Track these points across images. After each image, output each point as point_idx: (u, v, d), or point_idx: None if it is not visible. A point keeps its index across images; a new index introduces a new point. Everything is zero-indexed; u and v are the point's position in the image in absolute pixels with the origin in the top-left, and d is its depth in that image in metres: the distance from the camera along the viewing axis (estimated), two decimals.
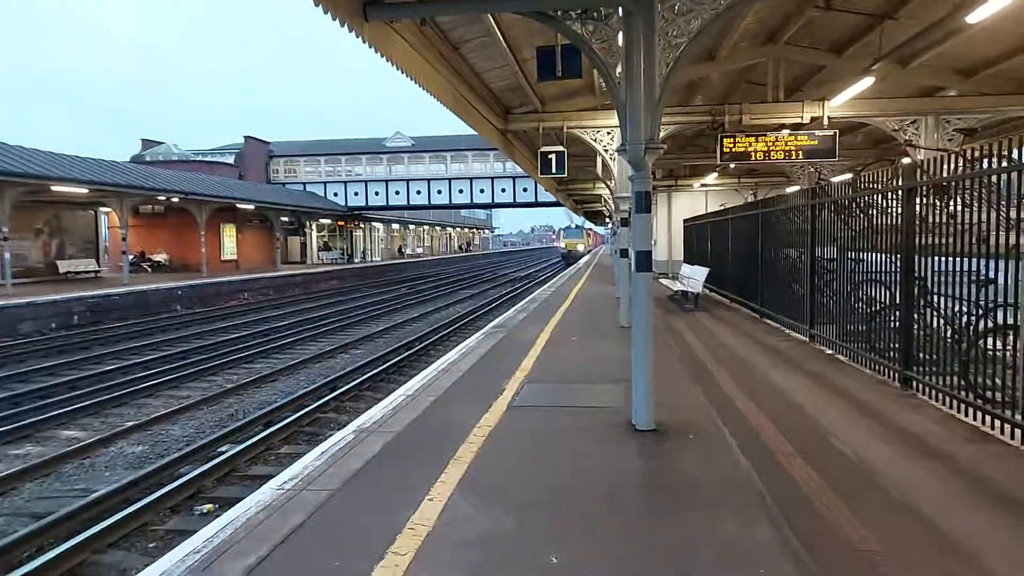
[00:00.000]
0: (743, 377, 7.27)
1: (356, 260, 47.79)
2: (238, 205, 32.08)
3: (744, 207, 14.40)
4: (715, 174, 22.92)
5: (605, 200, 28.16)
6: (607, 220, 47.35)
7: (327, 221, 45.56)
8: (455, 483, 4.36)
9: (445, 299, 27.82)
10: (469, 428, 5.52)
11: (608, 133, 12.37)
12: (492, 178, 43.07)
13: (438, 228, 74.41)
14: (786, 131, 12.56)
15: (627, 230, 13.03)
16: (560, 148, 12.86)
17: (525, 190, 42.58)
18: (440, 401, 6.52)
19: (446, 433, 5.42)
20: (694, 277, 15.08)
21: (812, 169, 16.77)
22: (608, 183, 17.29)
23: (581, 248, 60.15)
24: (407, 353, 13.99)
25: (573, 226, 63.73)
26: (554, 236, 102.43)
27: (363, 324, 19.99)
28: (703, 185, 24.75)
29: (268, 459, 7.80)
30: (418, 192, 43.54)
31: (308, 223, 43.99)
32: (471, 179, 43.20)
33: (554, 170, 12.72)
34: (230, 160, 43.94)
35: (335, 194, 44.31)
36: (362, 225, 49.63)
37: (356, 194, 44.26)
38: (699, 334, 10.66)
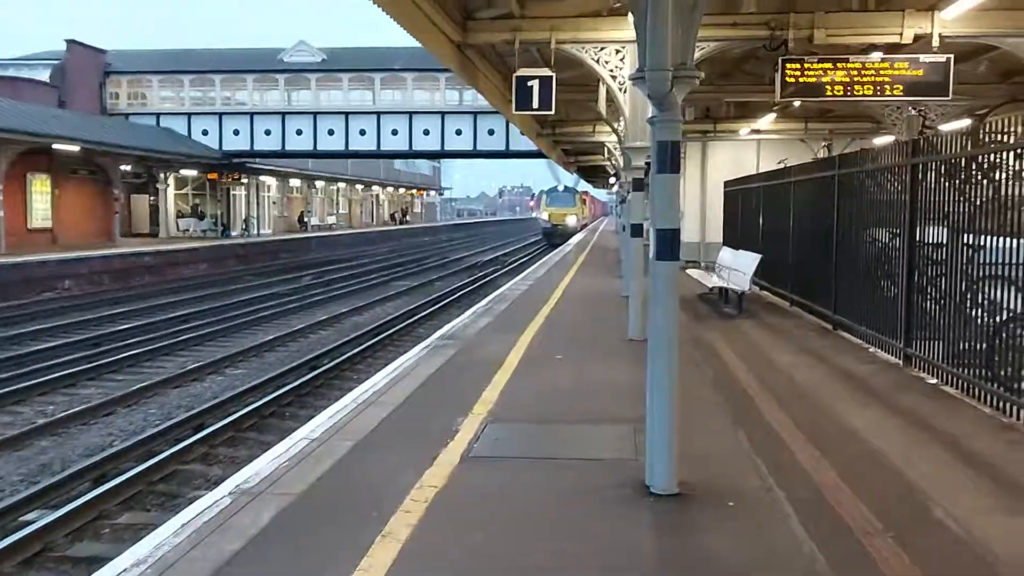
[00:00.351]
0: (806, 416, 7.38)
1: (234, 233, 47.38)
2: (55, 146, 31.50)
3: (813, 166, 14.58)
4: (772, 116, 23.15)
5: (610, 151, 28.23)
6: (611, 181, 47.59)
7: (191, 173, 45.07)
8: (383, 573, 4.35)
9: (369, 294, 27.76)
10: (404, 490, 5.51)
11: (617, 52, 12.40)
12: (442, 113, 43.00)
13: (360, 187, 74.11)
14: (878, 55, 12.72)
15: (642, 196, 13.15)
16: (546, 72, 12.86)
17: (491, 133, 42.58)
18: (361, 449, 6.50)
19: (370, 498, 5.40)
20: (738, 268, 15.28)
21: (914, 112, 17.05)
22: (615, 126, 17.36)
23: (572, 221, 60.39)
24: (312, 375, 13.95)
25: (561, 188, 64.02)
26: (532, 202, 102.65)
27: (247, 330, 19.86)
28: (754, 132, 25.01)
29: (100, 533, 7.72)
30: (331, 132, 43.28)
31: (163, 175, 43.45)
32: (411, 114, 43.09)
33: (536, 104, 12.71)
34: (44, 76, 43.11)
35: (204, 132, 43.82)
36: (245, 180, 49.15)
37: (237, 133, 43.82)
38: (744, 352, 10.79)
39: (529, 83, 12.67)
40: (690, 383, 8.29)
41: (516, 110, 13.01)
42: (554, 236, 57.29)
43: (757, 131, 24.93)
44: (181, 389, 13.52)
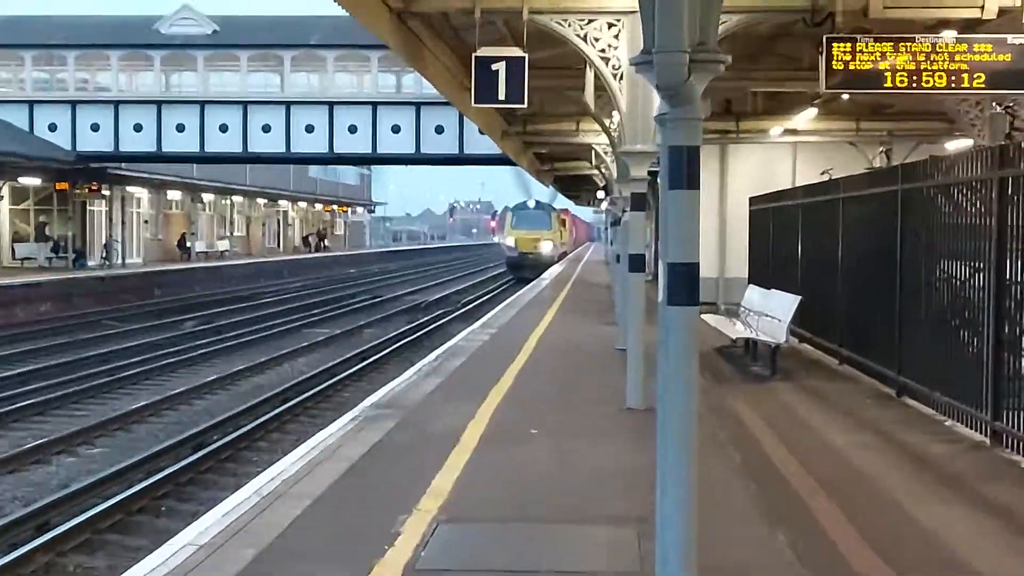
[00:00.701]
0: (868, 516, 7.36)
1: (92, 263, 46.97)
2: None
3: (869, 178, 14.73)
4: (813, 112, 23.40)
5: (599, 156, 28.43)
6: (600, 195, 47.77)
7: (34, 182, 44.65)
8: None
9: (276, 346, 27.54)
10: None
11: (611, 26, 12.49)
12: (374, 104, 43.11)
13: (262, 202, 73.95)
14: (951, 34, 12.92)
15: (643, 217, 13.22)
16: (516, 52, 12.91)
17: (440, 131, 42.68)
18: (267, 560, 6.39)
19: None
20: (770, 313, 15.33)
21: (999, 109, 17.32)
22: (607, 124, 17.46)
23: (548, 248, 60.59)
24: (196, 456, 13.74)
25: (532, 204, 64.21)
26: (493, 223, 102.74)
27: (108, 395, 19.58)
28: (789, 132, 25.27)
29: None
30: (223, 128, 43.17)
31: None
32: (331, 104, 43.13)
33: (503, 95, 12.74)
34: None
35: (52, 127, 43.55)
36: (106, 191, 48.78)
37: (96, 128, 43.61)
38: (780, 426, 10.79)
39: (493, 66, 12.71)
40: (712, 469, 8.26)
41: (476, 102, 13.04)
42: (523, 268, 57.28)
43: (793, 131, 25.19)
44: (17, 475, 13.25)
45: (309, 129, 43.09)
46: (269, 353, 25.52)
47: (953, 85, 12.87)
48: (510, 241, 61.88)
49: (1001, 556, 6.48)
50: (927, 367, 11.44)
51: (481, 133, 33.59)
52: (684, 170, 5.58)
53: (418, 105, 42.18)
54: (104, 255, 48.80)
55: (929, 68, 12.81)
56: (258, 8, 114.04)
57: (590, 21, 12.59)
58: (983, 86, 12.93)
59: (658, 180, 6.30)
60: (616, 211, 24.34)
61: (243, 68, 43.79)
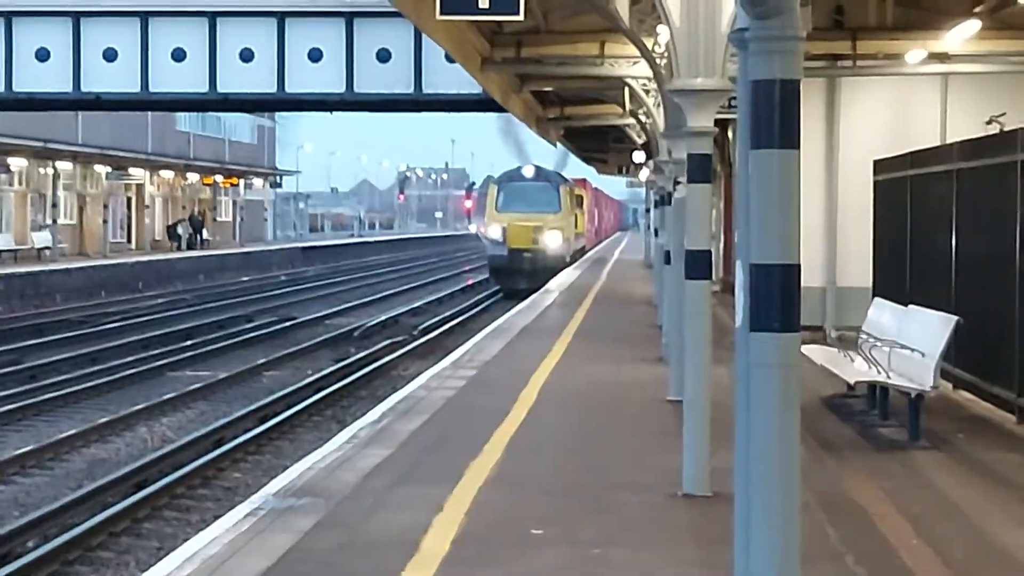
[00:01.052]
0: None
1: None
2: None
3: None
4: (973, 27, 23.46)
5: (636, 97, 28.44)
6: (638, 158, 47.85)
7: None
8: None
9: (124, 397, 27.49)
10: None
11: None
12: (281, 16, 43.05)
13: (104, 170, 73.73)
14: None
15: (709, 192, 13.22)
16: None
17: (385, 59, 42.68)
18: None
19: None
20: (909, 343, 15.29)
21: None
22: (649, 46, 17.49)
23: (555, 242, 60.27)
24: None
25: (529, 173, 63.87)
26: (469, 202, 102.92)
27: None
28: (935, 59, 25.29)
29: None
30: (42, 56, 43.09)
31: None
32: (213, 16, 43.02)
33: (484, 0, 12.78)
34: None
35: None
36: None
37: None
38: (928, 523, 10.73)
39: None
40: None
41: (444, 12, 13.09)
42: (516, 275, 57.12)
43: (942, 57, 25.21)
44: None
45: (178, 55, 43.00)
46: (114, 409, 25.45)
47: None
48: (495, 231, 61.24)
49: None
50: None
51: (450, 61, 33.63)
52: (775, 118, 5.58)
53: (350, 17, 42.15)
54: None
55: None
56: None
57: None
58: None
59: (731, 135, 6.15)
60: (663, 183, 24.35)
61: None
